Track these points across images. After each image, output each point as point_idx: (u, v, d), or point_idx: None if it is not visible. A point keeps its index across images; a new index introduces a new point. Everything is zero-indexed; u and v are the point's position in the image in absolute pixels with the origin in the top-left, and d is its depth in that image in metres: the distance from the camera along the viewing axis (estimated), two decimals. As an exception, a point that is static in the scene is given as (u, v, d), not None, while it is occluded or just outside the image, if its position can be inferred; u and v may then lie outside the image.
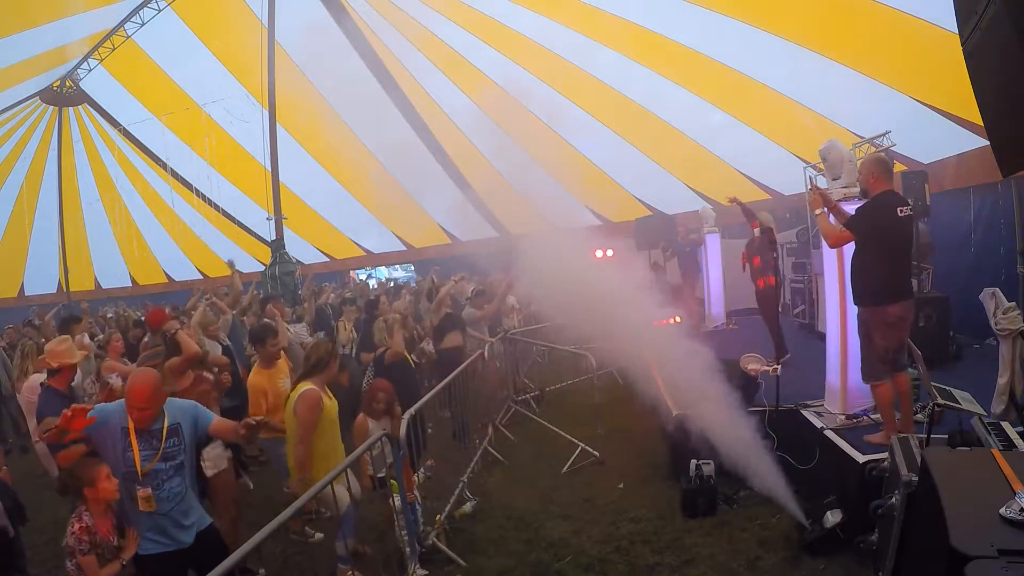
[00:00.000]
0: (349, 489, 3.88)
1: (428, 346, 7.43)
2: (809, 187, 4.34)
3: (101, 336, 7.37)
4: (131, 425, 2.80)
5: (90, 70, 12.55)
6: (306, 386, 3.75)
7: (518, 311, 9.33)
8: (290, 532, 4.44)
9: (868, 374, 3.90)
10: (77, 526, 2.72)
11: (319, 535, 4.57)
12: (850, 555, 3.48)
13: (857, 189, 4.29)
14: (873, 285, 3.72)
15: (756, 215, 6.67)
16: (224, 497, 4.14)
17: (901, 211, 3.67)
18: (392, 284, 14.41)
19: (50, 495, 4.72)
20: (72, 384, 4.03)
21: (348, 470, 3.76)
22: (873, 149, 6.53)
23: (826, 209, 4.02)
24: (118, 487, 2.81)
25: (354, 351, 7.17)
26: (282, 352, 4.91)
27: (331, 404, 3.92)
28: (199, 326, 5.60)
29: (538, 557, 4.09)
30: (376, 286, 15.00)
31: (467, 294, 8.50)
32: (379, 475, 4.00)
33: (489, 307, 7.80)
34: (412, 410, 4.40)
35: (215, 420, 3.10)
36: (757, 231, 6.66)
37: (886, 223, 3.67)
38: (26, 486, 4.79)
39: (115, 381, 4.66)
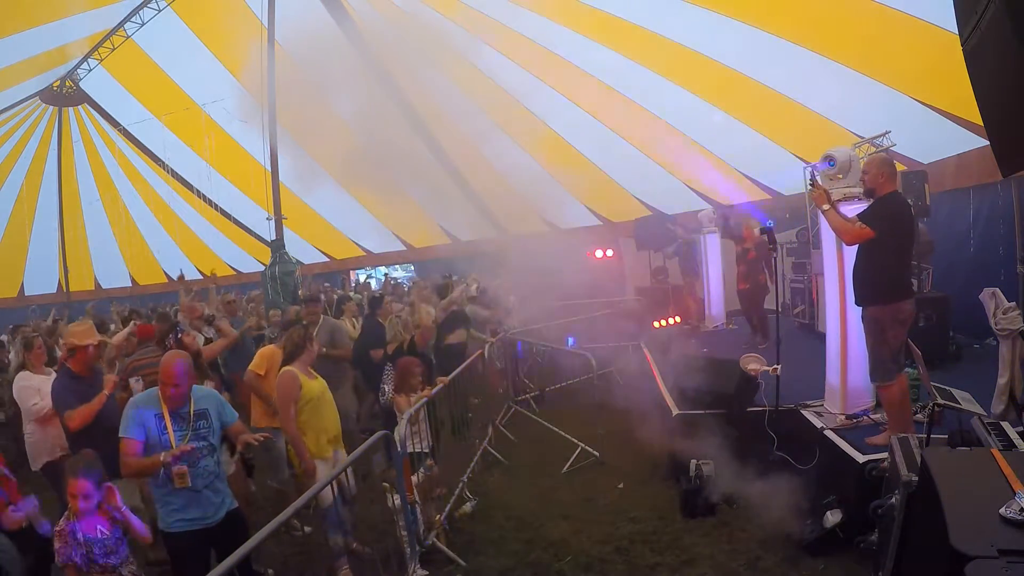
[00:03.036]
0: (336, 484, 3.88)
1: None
2: (811, 184, 4.32)
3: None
4: (164, 410, 3.05)
5: (90, 70, 12.53)
6: (285, 368, 4.04)
7: (518, 311, 9.32)
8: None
9: (881, 375, 3.86)
10: (56, 530, 2.73)
11: (307, 528, 4.58)
12: (850, 555, 3.48)
13: (859, 189, 4.29)
14: (888, 283, 3.77)
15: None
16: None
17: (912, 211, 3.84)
18: (394, 282, 14.42)
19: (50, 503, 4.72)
20: (93, 369, 4.02)
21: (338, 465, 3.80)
22: (873, 149, 6.53)
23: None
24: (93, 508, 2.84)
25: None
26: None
27: (314, 383, 4.08)
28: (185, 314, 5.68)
29: (538, 557, 4.10)
30: (381, 282, 15.07)
31: (471, 292, 8.50)
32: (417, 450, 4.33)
33: (487, 312, 7.84)
34: (411, 410, 4.41)
35: (237, 421, 3.36)
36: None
37: (904, 221, 3.78)
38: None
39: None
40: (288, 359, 4.08)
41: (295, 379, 3.93)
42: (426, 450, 4.63)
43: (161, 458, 2.91)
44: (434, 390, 4.82)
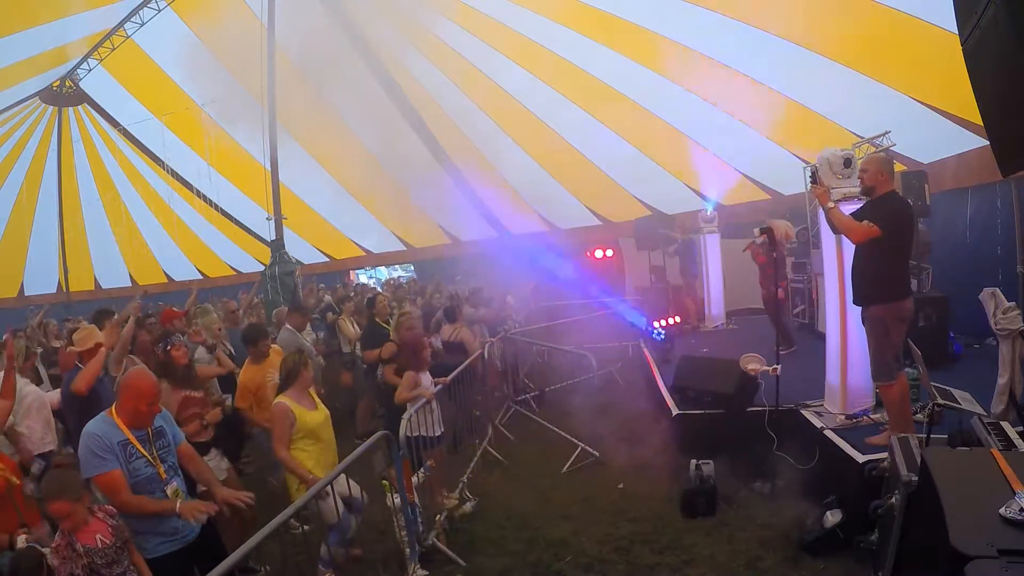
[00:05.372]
0: (351, 495, 3.86)
1: (437, 342, 7.40)
2: (814, 182, 4.30)
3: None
4: (128, 434, 2.81)
5: (90, 70, 12.53)
6: (278, 399, 3.77)
7: (517, 311, 9.34)
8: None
9: (883, 374, 3.85)
10: (52, 548, 2.53)
11: (306, 527, 4.56)
12: (850, 555, 3.48)
13: (858, 190, 4.29)
14: (891, 282, 3.78)
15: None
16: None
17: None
18: (391, 281, 14.43)
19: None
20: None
21: (346, 476, 3.75)
22: (873, 149, 6.53)
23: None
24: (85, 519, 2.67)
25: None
26: (271, 348, 4.89)
27: (312, 414, 3.80)
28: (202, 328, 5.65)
29: (538, 557, 4.09)
30: (381, 282, 15.08)
31: (465, 293, 8.51)
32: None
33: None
34: (412, 410, 4.41)
35: (184, 443, 3.18)
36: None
37: (906, 220, 3.80)
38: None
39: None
40: (282, 386, 3.85)
41: (288, 413, 3.69)
42: (438, 434, 4.66)
43: (177, 507, 2.73)
44: (435, 389, 4.82)
